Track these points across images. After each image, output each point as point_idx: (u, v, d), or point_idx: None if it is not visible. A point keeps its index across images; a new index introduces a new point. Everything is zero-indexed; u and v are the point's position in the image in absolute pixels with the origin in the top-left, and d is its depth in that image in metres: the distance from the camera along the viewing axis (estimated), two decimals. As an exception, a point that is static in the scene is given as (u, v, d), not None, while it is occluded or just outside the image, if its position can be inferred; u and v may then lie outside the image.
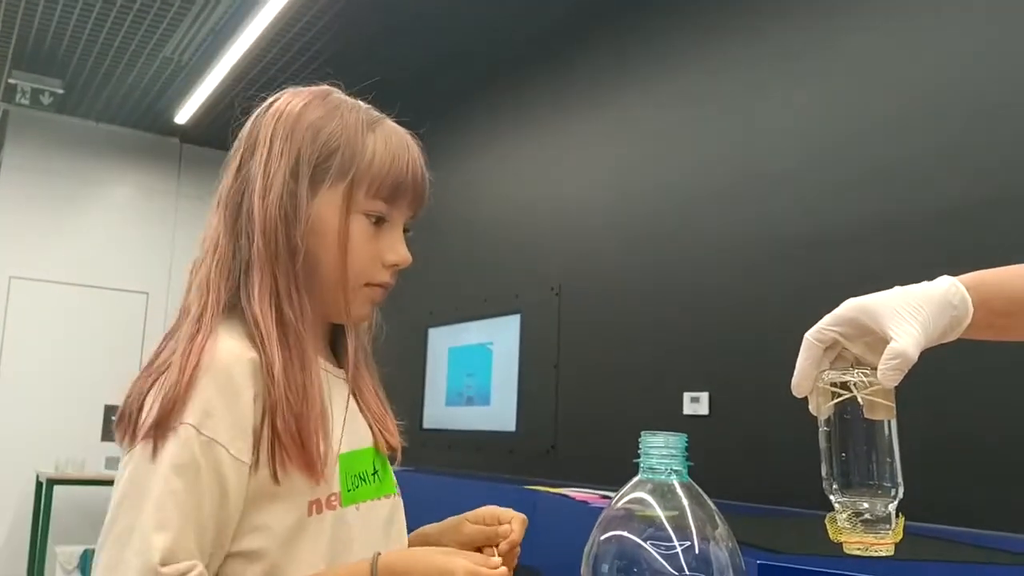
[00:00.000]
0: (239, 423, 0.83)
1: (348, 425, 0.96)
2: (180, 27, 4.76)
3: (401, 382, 4.83)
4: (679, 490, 0.71)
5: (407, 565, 0.82)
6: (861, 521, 0.74)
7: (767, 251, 3.05)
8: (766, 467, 2.90)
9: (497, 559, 0.86)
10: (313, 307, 0.93)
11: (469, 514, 1.00)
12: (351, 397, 0.99)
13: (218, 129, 6.24)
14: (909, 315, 0.76)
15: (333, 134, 0.94)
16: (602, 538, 0.71)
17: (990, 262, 0.84)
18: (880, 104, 2.77)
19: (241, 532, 0.84)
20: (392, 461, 1.05)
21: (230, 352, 0.85)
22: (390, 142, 0.96)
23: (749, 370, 3.03)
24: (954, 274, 0.81)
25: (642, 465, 0.73)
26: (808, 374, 0.79)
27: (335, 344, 1.04)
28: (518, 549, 0.97)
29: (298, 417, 0.86)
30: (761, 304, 3.04)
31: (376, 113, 1.00)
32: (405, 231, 0.99)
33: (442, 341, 4.93)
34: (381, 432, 1.01)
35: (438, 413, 4.87)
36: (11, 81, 5.48)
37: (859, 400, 0.75)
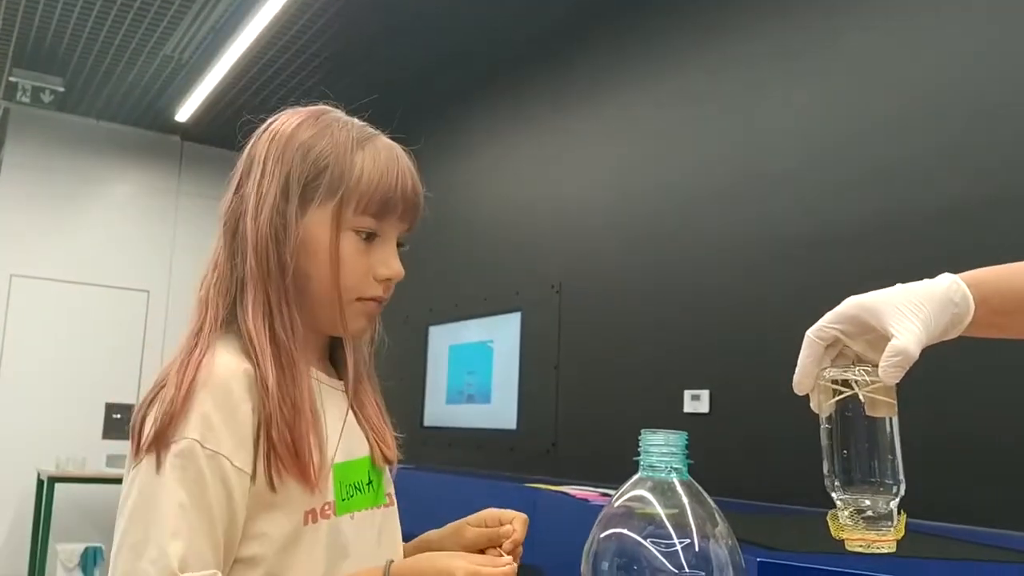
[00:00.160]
0: (239, 435, 0.86)
1: (344, 436, 0.98)
2: (180, 25, 4.76)
3: (402, 380, 4.84)
4: (679, 488, 0.71)
5: (415, 572, 0.86)
6: (863, 518, 0.74)
7: (767, 250, 3.05)
8: (766, 465, 2.90)
9: (507, 558, 0.88)
10: (307, 322, 0.95)
11: (470, 518, 1.02)
12: (349, 409, 1.01)
13: (219, 127, 6.24)
14: (910, 312, 0.76)
15: (322, 153, 0.95)
16: (602, 536, 0.71)
17: (991, 261, 0.84)
18: (880, 103, 2.77)
19: (242, 539, 0.87)
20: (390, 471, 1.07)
21: (227, 366, 0.88)
22: (379, 158, 0.96)
23: (750, 368, 3.03)
24: (957, 273, 0.81)
25: (642, 463, 0.73)
26: (809, 371, 0.79)
27: (336, 356, 1.05)
28: (520, 548, 0.99)
29: (291, 428, 0.88)
30: (761, 302, 3.04)
31: (369, 130, 1.01)
32: (400, 245, 1.00)
33: (443, 339, 4.93)
34: (379, 444, 1.02)
35: (439, 411, 4.87)
36: (12, 79, 5.48)
37: (860, 397, 0.75)
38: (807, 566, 1.46)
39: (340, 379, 1.03)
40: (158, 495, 0.82)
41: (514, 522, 0.98)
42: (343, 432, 0.98)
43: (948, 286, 0.78)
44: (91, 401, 6.14)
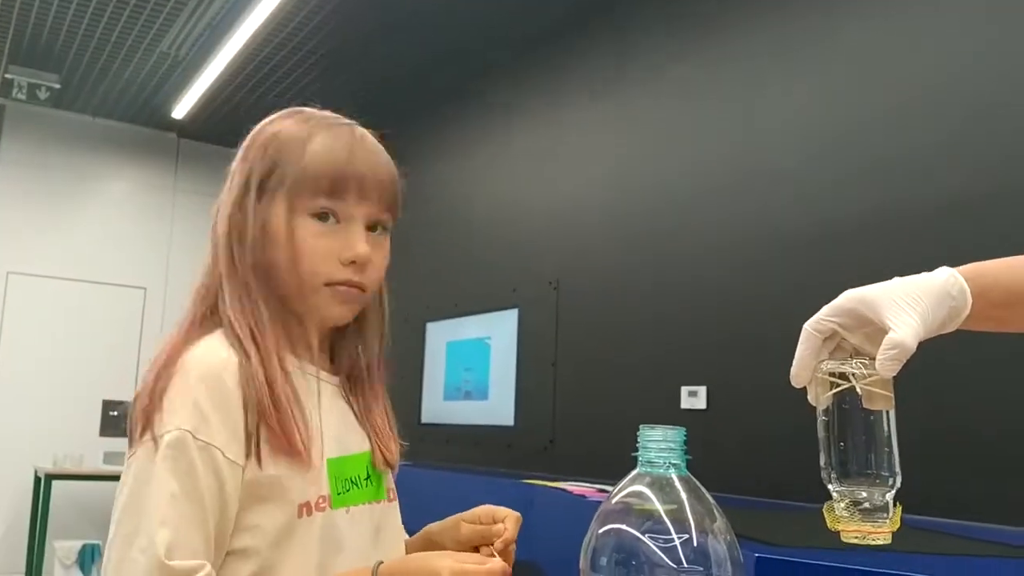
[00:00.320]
0: (231, 426, 0.87)
1: (338, 430, 0.98)
2: (177, 22, 4.75)
3: (400, 377, 4.83)
4: (677, 483, 0.71)
5: (404, 572, 0.86)
6: (859, 510, 0.74)
7: (765, 245, 3.05)
8: (763, 461, 2.91)
9: (496, 559, 0.88)
10: (278, 311, 0.96)
11: (466, 514, 1.02)
12: (348, 404, 1.02)
13: (215, 124, 6.23)
14: (908, 306, 0.76)
15: (280, 145, 0.97)
16: (601, 531, 0.71)
17: (990, 256, 0.84)
18: (879, 98, 2.77)
19: (234, 531, 0.88)
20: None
21: (217, 357, 0.90)
22: (331, 140, 0.97)
23: (747, 365, 3.03)
24: (954, 266, 0.80)
25: (641, 458, 0.73)
26: (807, 364, 0.79)
27: (338, 351, 1.06)
28: (513, 546, 0.99)
29: (277, 408, 0.89)
30: (759, 299, 3.04)
31: (333, 119, 1.01)
32: (372, 229, 0.99)
33: (440, 335, 4.93)
34: (380, 449, 1.02)
35: (436, 407, 4.87)
36: (8, 76, 5.47)
37: (858, 390, 0.75)
38: (805, 561, 1.47)
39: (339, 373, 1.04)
40: (150, 485, 0.83)
41: (506, 520, 0.98)
42: (337, 426, 0.98)
43: (946, 279, 0.78)
44: (88, 398, 6.13)
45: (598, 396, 3.73)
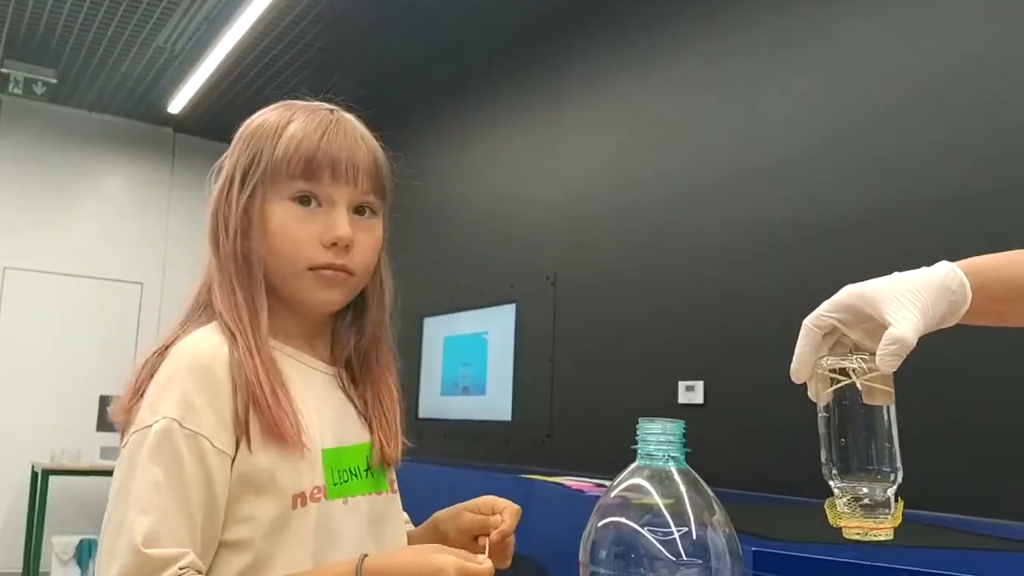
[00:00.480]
0: (220, 416, 0.87)
1: (335, 420, 0.98)
2: (173, 16, 4.73)
3: (398, 372, 4.83)
4: (677, 476, 0.71)
5: (393, 568, 0.83)
6: (860, 506, 0.74)
7: (764, 240, 3.05)
8: (761, 456, 2.91)
9: (484, 560, 0.83)
10: (267, 299, 0.96)
11: (468, 503, 1.03)
12: (347, 395, 1.01)
13: (212, 118, 6.21)
14: (907, 301, 0.75)
15: (260, 134, 0.98)
16: (600, 524, 0.71)
17: (990, 251, 0.84)
18: (879, 93, 2.77)
19: (228, 523, 0.87)
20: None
21: (208, 346, 0.90)
22: (307, 124, 0.97)
23: (744, 359, 3.04)
24: (954, 261, 0.80)
25: (640, 452, 0.73)
26: (807, 360, 0.78)
27: (336, 339, 1.05)
28: (512, 539, 0.99)
29: (265, 393, 0.89)
30: (756, 293, 3.04)
31: (314, 106, 1.01)
32: (360, 211, 0.98)
33: (438, 330, 4.93)
34: (380, 442, 1.01)
35: (433, 402, 4.87)
36: (4, 70, 5.45)
37: (858, 386, 0.75)
38: (801, 555, 1.47)
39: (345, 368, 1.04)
40: (135, 474, 0.84)
41: (504, 512, 0.99)
42: (334, 416, 0.98)
43: (945, 274, 0.78)
44: (85, 394, 6.11)
45: (596, 391, 3.73)
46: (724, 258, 3.20)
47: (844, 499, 0.75)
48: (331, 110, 1.00)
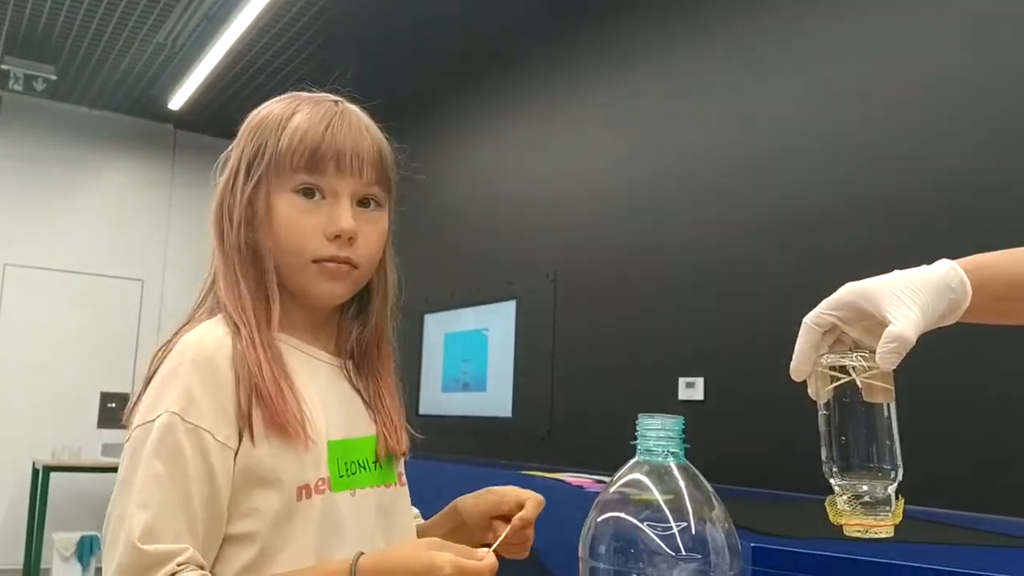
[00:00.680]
0: (222, 408, 0.87)
1: (341, 413, 0.97)
2: (173, 13, 4.73)
3: (398, 369, 4.84)
4: (676, 472, 0.71)
5: (389, 565, 0.82)
6: (861, 504, 0.74)
7: (764, 237, 3.05)
8: (760, 452, 2.91)
9: (485, 553, 0.82)
10: (271, 291, 0.95)
11: (495, 488, 1.04)
12: (354, 387, 1.01)
13: (212, 115, 6.21)
14: (907, 299, 0.76)
15: (265, 126, 0.97)
16: (600, 519, 0.71)
17: (991, 247, 0.84)
18: (879, 87, 2.76)
19: (232, 516, 0.87)
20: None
21: (212, 339, 0.90)
22: (307, 116, 0.96)
23: (744, 355, 3.04)
24: (954, 259, 0.80)
25: (639, 447, 0.73)
26: (807, 358, 0.78)
27: (340, 332, 1.05)
28: (531, 529, 1.00)
29: (268, 383, 0.89)
30: (756, 290, 3.04)
31: (319, 98, 1.00)
32: (365, 204, 0.98)
33: (438, 327, 4.93)
34: (385, 434, 1.01)
35: (434, 399, 4.88)
36: (4, 67, 5.45)
37: (858, 383, 0.75)
38: (800, 551, 1.47)
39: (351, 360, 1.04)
40: (137, 468, 0.84)
41: (528, 501, 1.00)
42: (340, 409, 0.97)
43: (945, 272, 0.78)
44: (86, 390, 6.13)
45: (595, 387, 3.73)
46: (725, 255, 3.20)
47: (845, 497, 0.75)
48: (336, 101, 1.00)
